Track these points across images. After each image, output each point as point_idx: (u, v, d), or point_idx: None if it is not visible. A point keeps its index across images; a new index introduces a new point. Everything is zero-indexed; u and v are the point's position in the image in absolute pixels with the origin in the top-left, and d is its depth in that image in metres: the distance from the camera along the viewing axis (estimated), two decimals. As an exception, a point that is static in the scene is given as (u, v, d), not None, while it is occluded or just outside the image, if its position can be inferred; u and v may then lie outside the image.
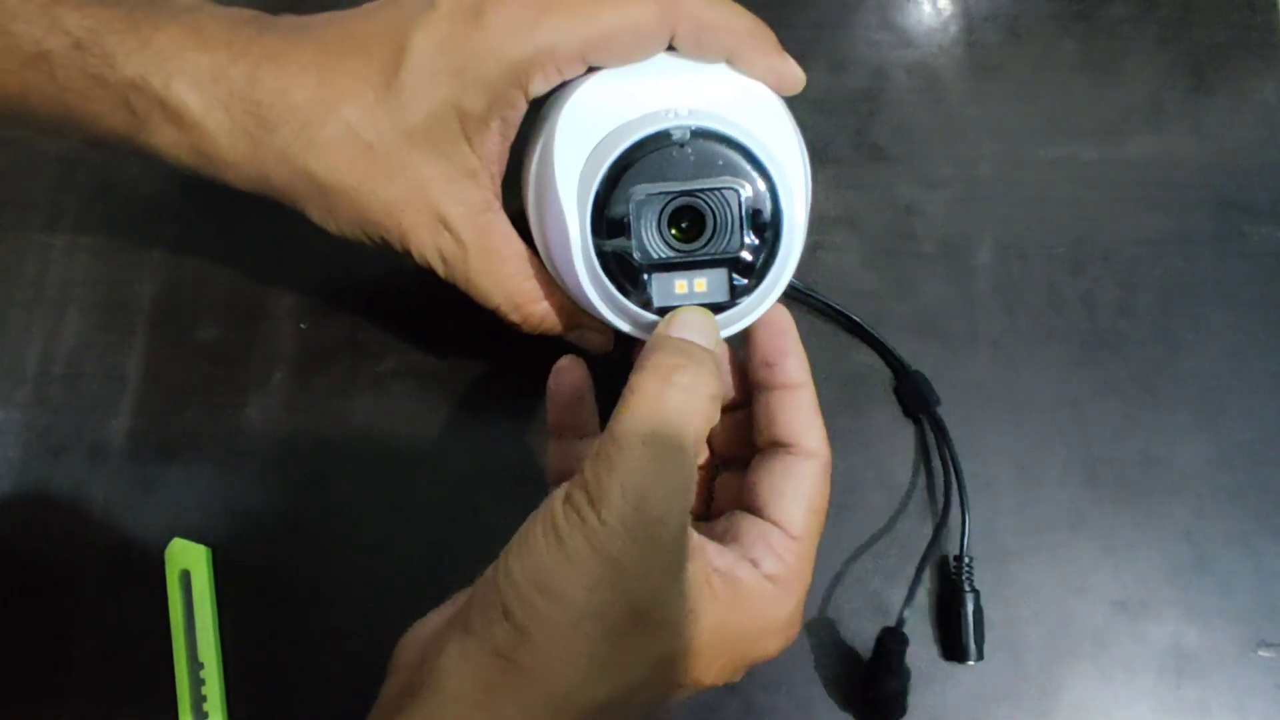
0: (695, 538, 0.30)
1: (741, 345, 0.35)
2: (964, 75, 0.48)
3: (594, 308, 0.32)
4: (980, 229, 0.46)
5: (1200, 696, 0.40)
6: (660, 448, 0.27)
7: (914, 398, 0.43)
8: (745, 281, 0.31)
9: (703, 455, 0.37)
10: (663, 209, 0.30)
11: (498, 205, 0.34)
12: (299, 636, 0.41)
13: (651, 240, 0.31)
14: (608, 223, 0.30)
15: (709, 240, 0.31)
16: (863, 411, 0.44)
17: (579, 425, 0.36)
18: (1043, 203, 0.46)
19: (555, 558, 0.27)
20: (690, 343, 0.30)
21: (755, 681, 0.40)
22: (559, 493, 0.28)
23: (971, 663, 0.40)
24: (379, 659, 0.30)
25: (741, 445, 0.36)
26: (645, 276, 0.31)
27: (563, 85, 0.32)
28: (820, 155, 0.33)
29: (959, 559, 0.40)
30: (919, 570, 0.39)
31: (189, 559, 0.41)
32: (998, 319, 0.45)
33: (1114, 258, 0.46)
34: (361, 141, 0.31)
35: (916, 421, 0.43)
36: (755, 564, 0.31)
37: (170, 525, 0.41)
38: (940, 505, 0.42)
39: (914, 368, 0.43)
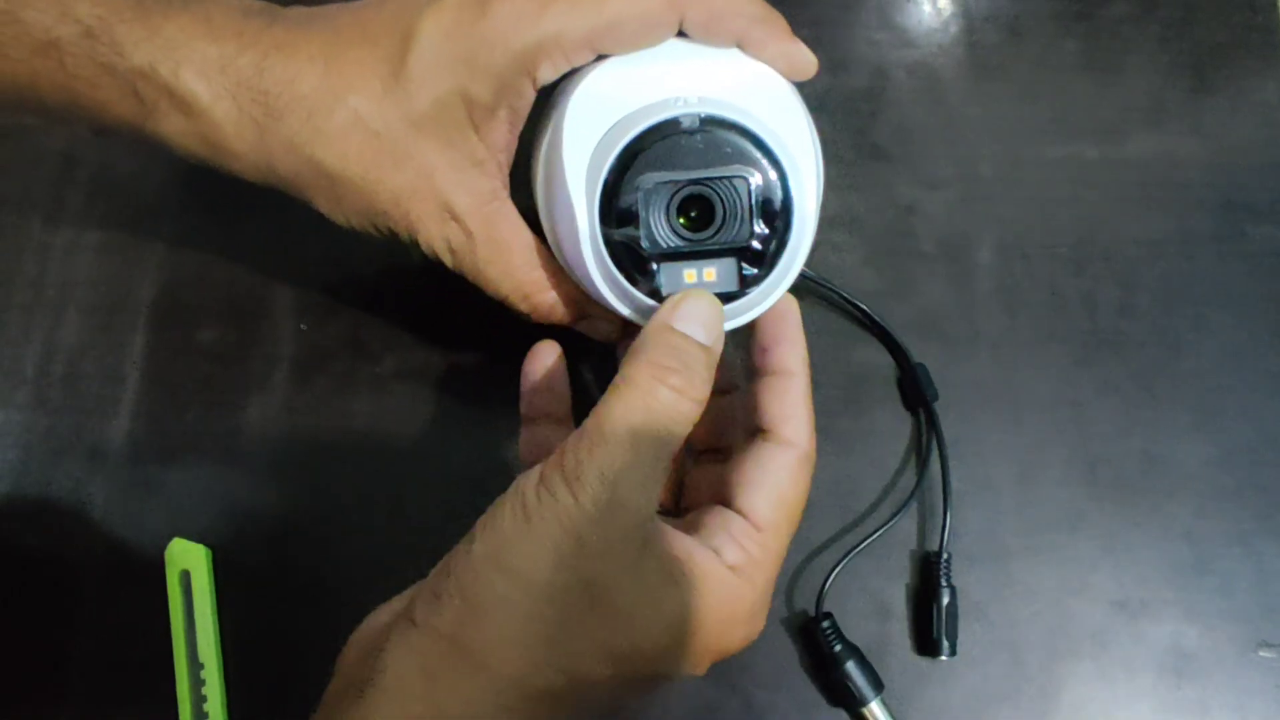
0: (658, 525, 0.30)
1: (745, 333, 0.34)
2: (964, 75, 0.48)
3: (602, 297, 0.32)
4: (981, 229, 0.46)
5: (1200, 696, 0.40)
6: (643, 441, 0.28)
7: (913, 390, 0.43)
8: (755, 271, 0.31)
9: None
10: (672, 198, 0.30)
11: (505, 194, 0.34)
12: (299, 636, 0.40)
13: (660, 229, 0.30)
14: (616, 211, 0.30)
15: (718, 230, 0.30)
16: (866, 410, 0.44)
17: (551, 411, 0.36)
18: (1043, 203, 0.46)
19: (520, 536, 0.27)
20: (688, 340, 0.30)
21: (755, 680, 0.40)
22: (530, 475, 0.28)
23: (944, 658, 0.40)
24: (379, 660, 0.30)
25: (717, 434, 0.36)
26: (654, 266, 0.31)
27: (571, 73, 0.32)
28: (821, 156, 0.33)
29: (938, 554, 0.40)
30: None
31: (189, 559, 0.41)
32: (998, 319, 0.45)
33: (1114, 258, 0.46)
34: (369, 130, 0.31)
35: (915, 415, 0.43)
36: (716, 552, 0.31)
37: (170, 525, 0.41)
38: (931, 500, 0.42)
39: (917, 360, 0.43)
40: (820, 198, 0.32)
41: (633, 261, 0.31)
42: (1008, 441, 0.43)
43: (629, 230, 0.30)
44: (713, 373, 0.30)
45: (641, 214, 0.30)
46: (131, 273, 0.45)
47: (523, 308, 0.35)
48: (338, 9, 0.33)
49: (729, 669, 0.37)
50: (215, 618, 0.40)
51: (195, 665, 0.40)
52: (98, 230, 0.45)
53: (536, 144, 0.34)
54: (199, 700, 0.39)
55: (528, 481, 0.28)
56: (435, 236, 0.33)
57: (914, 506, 0.42)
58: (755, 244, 0.31)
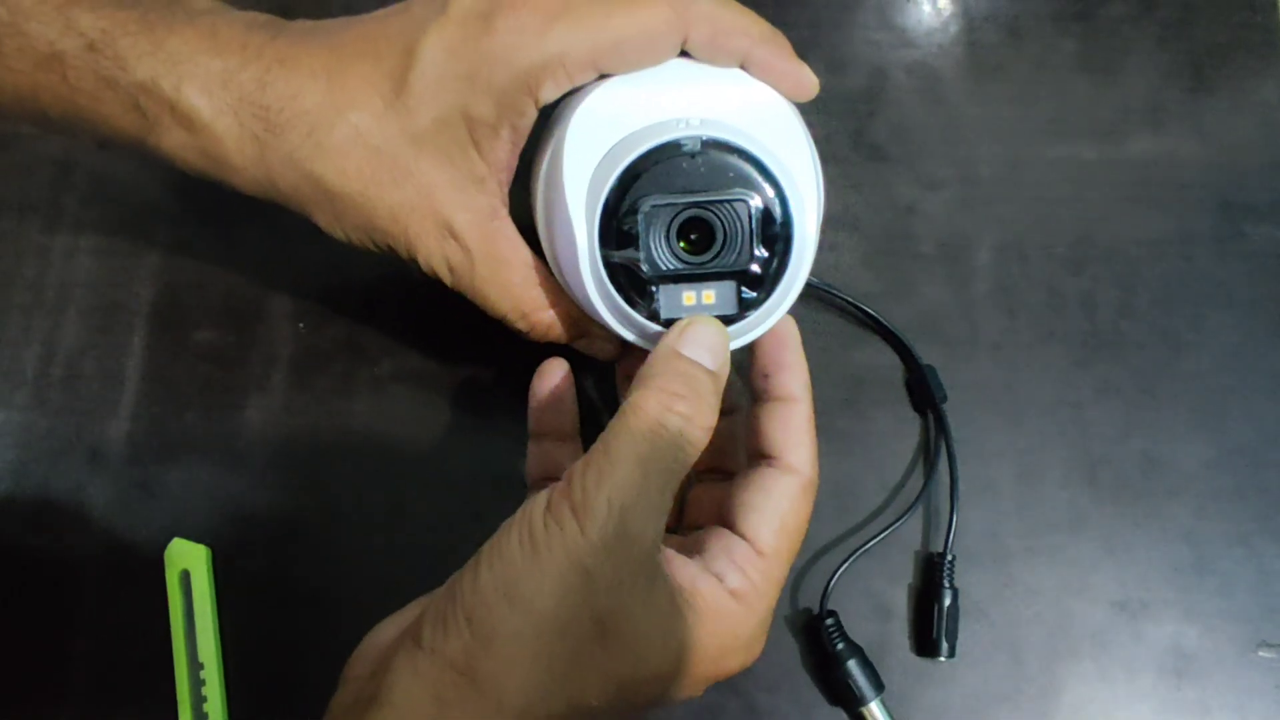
0: (664, 552, 0.30)
1: (744, 354, 0.34)
2: (964, 75, 0.48)
3: (601, 318, 0.32)
4: (980, 229, 0.46)
5: (1200, 697, 0.40)
6: (651, 470, 0.28)
7: (923, 390, 0.43)
8: (754, 294, 0.31)
9: None
10: (672, 220, 0.30)
11: (505, 213, 0.34)
12: (299, 637, 0.41)
13: (660, 252, 0.30)
14: (616, 233, 0.30)
15: (718, 253, 0.30)
16: (868, 411, 0.44)
17: (559, 428, 0.36)
18: (1043, 203, 0.46)
19: (528, 566, 0.27)
20: (696, 366, 0.30)
21: (757, 683, 0.40)
22: (538, 501, 0.28)
23: (944, 659, 0.40)
24: (378, 660, 0.30)
25: (719, 455, 0.36)
26: (653, 288, 0.31)
27: (573, 91, 0.32)
28: (820, 155, 0.33)
29: (942, 555, 0.40)
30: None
31: (189, 559, 0.41)
32: (998, 320, 0.45)
33: (1114, 258, 0.46)
34: (369, 146, 0.31)
35: (923, 416, 0.43)
36: (719, 579, 0.30)
37: (170, 525, 0.41)
38: (936, 502, 0.42)
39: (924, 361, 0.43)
40: (821, 220, 0.32)
41: (632, 283, 0.31)
42: (1008, 442, 0.43)
43: (629, 252, 0.30)
44: (719, 399, 0.30)
45: (641, 236, 0.30)
46: (130, 275, 0.45)
47: (521, 326, 0.35)
48: (342, 23, 0.33)
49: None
50: (215, 618, 0.40)
51: (195, 665, 0.40)
52: (96, 234, 0.45)
53: (537, 163, 0.34)
54: (199, 700, 0.39)
55: (535, 508, 0.28)
56: (434, 254, 0.33)
57: (917, 507, 0.42)
58: (755, 267, 0.30)
